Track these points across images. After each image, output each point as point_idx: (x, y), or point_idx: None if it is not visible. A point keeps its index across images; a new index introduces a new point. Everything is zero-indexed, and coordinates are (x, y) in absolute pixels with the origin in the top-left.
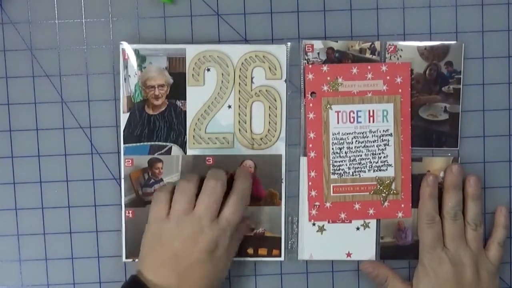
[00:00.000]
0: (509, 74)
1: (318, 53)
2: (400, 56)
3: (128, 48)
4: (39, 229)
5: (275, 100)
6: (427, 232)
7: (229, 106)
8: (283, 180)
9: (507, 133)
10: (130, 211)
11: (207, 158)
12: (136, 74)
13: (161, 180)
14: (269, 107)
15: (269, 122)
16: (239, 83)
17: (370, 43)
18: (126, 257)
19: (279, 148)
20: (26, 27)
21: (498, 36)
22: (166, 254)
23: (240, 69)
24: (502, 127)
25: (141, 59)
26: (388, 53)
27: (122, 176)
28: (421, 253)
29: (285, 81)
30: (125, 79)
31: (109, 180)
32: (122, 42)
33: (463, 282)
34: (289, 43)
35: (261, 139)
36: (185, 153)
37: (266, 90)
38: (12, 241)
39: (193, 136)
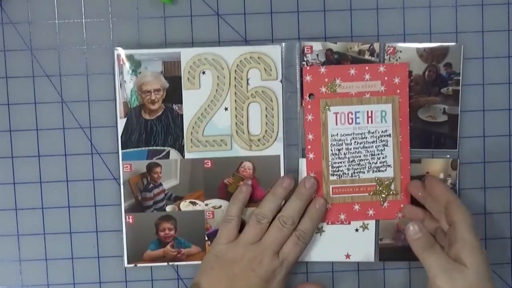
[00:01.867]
0: (509, 74)
1: (317, 55)
2: (399, 58)
3: (122, 54)
4: (39, 229)
5: (271, 101)
6: None
7: (226, 108)
8: None
9: (507, 133)
10: (130, 217)
11: (205, 161)
12: (131, 79)
13: (160, 184)
14: (266, 108)
15: (266, 123)
16: (235, 85)
17: (369, 45)
18: (128, 263)
19: (277, 148)
20: (26, 27)
21: (498, 36)
22: (225, 276)
23: (236, 71)
24: (502, 127)
25: (136, 64)
26: (387, 55)
27: (121, 182)
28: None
29: (281, 81)
30: (120, 84)
31: (109, 180)
32: (116, 47)
33: None
34: (283, 43)
35: (258, 140)
36: (183, 157)
37: (262, 91)
38: (12, 241)
39: (191, 139)
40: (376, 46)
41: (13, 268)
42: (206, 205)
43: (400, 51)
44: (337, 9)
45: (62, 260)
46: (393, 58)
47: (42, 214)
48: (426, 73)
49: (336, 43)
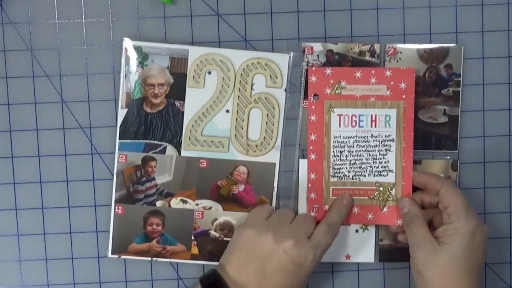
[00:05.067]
0: (509, 74)
1: (318, 55)
2: (400, 59)
3: (130, 45)
4: (39, 229)
5: (274, 108)
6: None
7: (227, 111)
8: (275, 189)
9: (507, 133)
10: (120, 207)
11: (201, 160)
12: (137, 71)
13: (153, 179)
14: (267, 114)
15: (266, 130)
16: (239, 89)
17: (369, 46)
18: (112, 253)
19: (274, 156)
20: (26, 27)
21: (498, 36)
22: (255, 256)
23: (241, 74)
24: (502, 127)
25: (143, 56)
26: (387, 56)
27: (115, 171)
28: None
29: (285, 90)
30: (125, 75)
31: (109, 180)
32: (125, 38)
33: None
34: (292, 53)
35: (256, 146)
36: (179, 154)
37: (265, 98)
38: (12, 241)
39: (189, 137)
40: (377, 47)
41: (13, 268)
42: (197, 204)
43: (401, 52)
44: (337, 9)
45: (62, 260)
46: (394, 59)
47: (42, 214)
48: (427, 74)
49: (336, 43)
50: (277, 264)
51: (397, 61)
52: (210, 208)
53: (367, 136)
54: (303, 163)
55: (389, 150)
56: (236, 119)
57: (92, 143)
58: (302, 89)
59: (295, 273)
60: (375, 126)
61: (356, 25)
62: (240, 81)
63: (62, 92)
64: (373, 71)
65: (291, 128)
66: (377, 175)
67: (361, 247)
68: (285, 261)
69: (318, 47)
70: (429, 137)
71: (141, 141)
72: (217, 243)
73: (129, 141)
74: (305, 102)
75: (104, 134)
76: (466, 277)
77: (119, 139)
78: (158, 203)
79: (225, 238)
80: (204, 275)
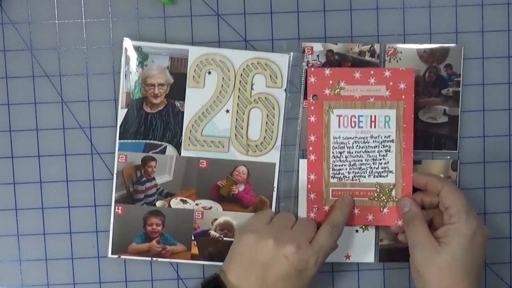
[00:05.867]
0: (509, 74)
1: (318, 56)
2: (400, 59)
3: (130, 45)
4: (39, 229)
5: (274, 108)
6: None
7: (227, 111)
8: (275, 189)
9: (507, 133)
10: (120, 207)
11: (201, 160)
12: (137, 71)
13: (153, 179)
14: (267, 114)
15: (266, 130)
16: (239, 89)
17: (369, 46)
18: (112, 253)
19: (274, 156)
20: (26, 27)
21: (498, 36)
22: (257, 261)
23: (241, 74)
24: (502, 127)
25: (143, 56)
26: (387, 56)
27: (115, 171)
28: None
29: (285, 90)
30: (125, 75)
31: (109, 180)
32: (125, 38)
33: None
34: (292, 53)
35: (256, 146)
36: (179, 154)
37: (265, 98)
38: (12, 241)
39: (189, 137)
40: (377, 47)
41: (13, 268)
42: (197, 204)
43: (401, 52)
44: (337, 9)
45: (62, 260)
46: (394, 59)
47: (42, 214)
48: (427, 74)
49: (336, 44)
50: (278, 270)
51: (397, 61)
52: (210, 208)
53: (367, 137)
54: (303, 164)
55: (389, 151)
56: (236, 119)
57: (92, 143)
58: (302, 89)
59: (297, 278)
60: (375, 127)
61: (356, 25)
62: (240, 81)
63: (62, 92)
64: (372, 72)
65: (291, 128)
66: (377, 176)
67: (361, 247)
68: (286, 266)
69: (318, 47)
70: (429, 137)
71: (141, 141)
72: (217, 243)
73: (129, 141)
74: (305, 102)
75: (104, 134)
76: (466, 278)
77: (119, 139)
78: (158, 203)
79: (225, 238)
80: (206, 280)
